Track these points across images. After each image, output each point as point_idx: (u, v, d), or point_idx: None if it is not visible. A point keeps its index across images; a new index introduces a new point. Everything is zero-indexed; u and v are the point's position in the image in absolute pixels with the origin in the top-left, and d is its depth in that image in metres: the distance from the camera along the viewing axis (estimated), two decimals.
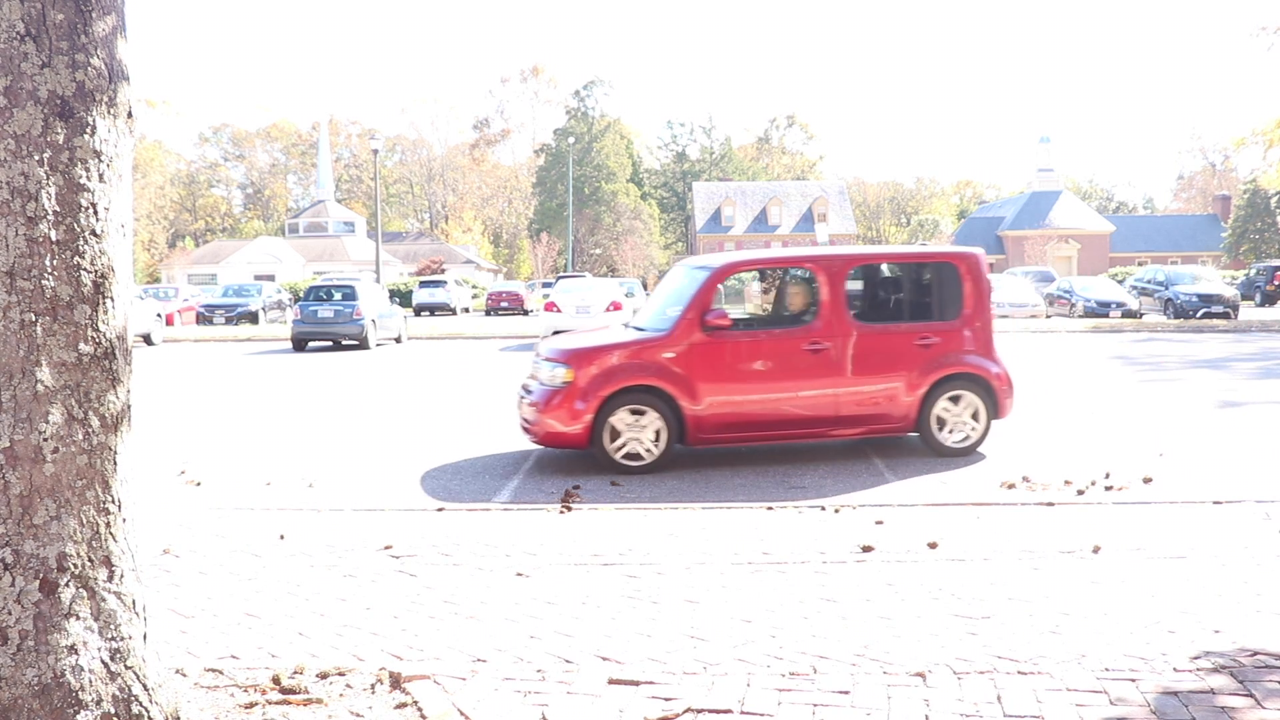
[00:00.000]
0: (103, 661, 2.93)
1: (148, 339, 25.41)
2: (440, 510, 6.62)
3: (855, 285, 9.02)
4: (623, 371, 8.16)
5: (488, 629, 4.39)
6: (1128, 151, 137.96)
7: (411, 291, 46.95)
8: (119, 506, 3.04)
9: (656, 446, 8.15)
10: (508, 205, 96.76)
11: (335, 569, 5.33)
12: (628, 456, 8.15)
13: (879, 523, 6.07)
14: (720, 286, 8.64)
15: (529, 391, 8.60)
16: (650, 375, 8.15)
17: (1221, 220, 76.72)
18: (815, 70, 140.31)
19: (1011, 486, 7.40)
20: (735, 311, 9.05)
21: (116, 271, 3.01)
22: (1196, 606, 4.52)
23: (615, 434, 8.14)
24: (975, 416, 8.69)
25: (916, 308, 9.08)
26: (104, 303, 2.97)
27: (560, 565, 5.33)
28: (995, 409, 8.72)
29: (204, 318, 35.54)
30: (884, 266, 9.33)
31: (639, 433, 8.14)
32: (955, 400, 8.66)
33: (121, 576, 3.03)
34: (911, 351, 8.58)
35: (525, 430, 8.57)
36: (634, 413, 8.14)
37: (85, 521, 2.94)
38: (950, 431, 8.66)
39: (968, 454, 8.66)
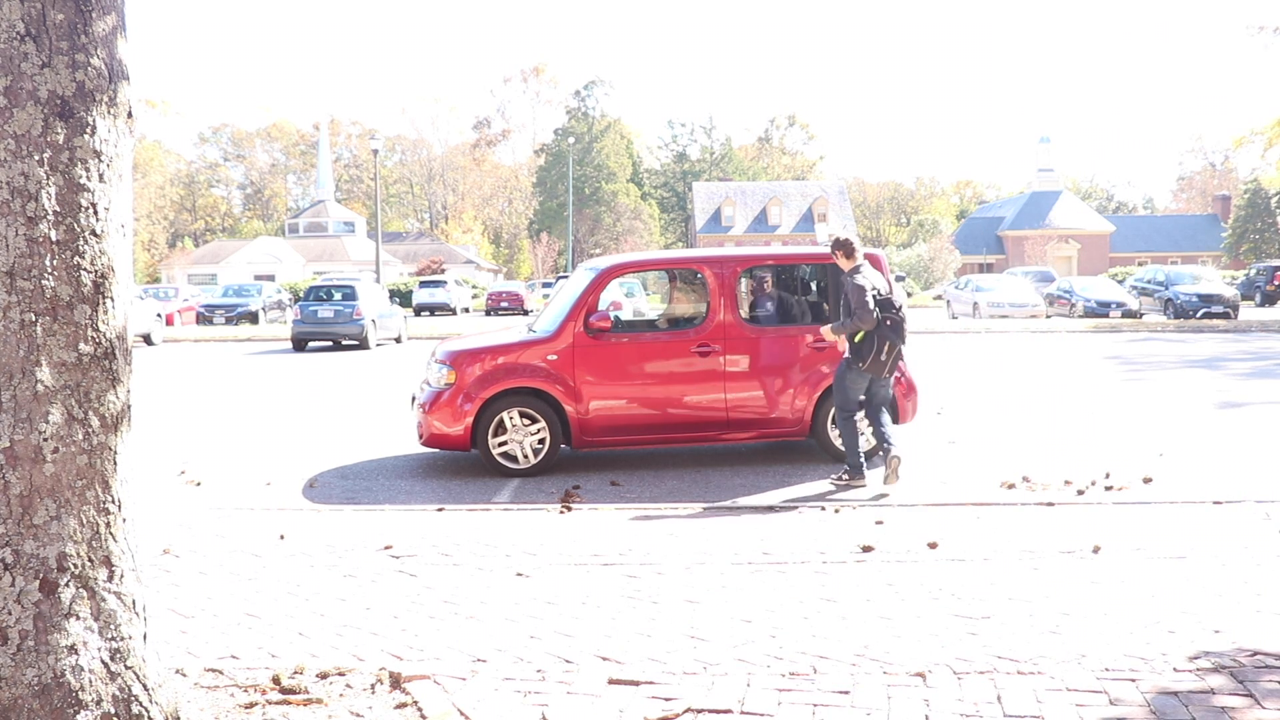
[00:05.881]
0: (103, 661, 2.93)
1: (148, 339, 25.40)
2: (440, 510, 6.62)
3: (748, 287, 8.86)
4: (506, 373, 8.07)
5: (488, 629, 4.39)
6: (1128, 151, 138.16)
7: (411, 291, 46.99)
8: (119, 506, 3.04)
9: (540, 448, 8.08)
10: (508, 205, 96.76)
11: (335, 569, 5.33)
12: (511, 459, 8.08)
13: (879, 523, 6.07)
14: (618, 285, 8.53)
15: (420, 393, 8.54)
16: (534, 377, 8.07)
17: (1221, 220, 76.75)
18: (815, 70, 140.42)
19: (1011, 486, 7.40)
20: (629, 313, 8.87)
21: (116, 271, 3.01)
22: (1196, 606, 4.52)
23: (500, 437, 8.06)
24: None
25: (812, 310, 8.75)
26: (104, 303, 2.97)
27: (560, 565, 5.33)
28: (894, 414, 8.39)
29: (204, 318, 35.53)
30: (778, 268, 8.94)
31: (522, 435, 8.08)
32: None
33: (121, 576, 3.03)
34: (805, 354, 8.36)
35: (417, 433, 8.44)
36: (521, 415, 8.07)
37: (85, 521, 2.93)
38: None
39: (866, 459, 8.29)
